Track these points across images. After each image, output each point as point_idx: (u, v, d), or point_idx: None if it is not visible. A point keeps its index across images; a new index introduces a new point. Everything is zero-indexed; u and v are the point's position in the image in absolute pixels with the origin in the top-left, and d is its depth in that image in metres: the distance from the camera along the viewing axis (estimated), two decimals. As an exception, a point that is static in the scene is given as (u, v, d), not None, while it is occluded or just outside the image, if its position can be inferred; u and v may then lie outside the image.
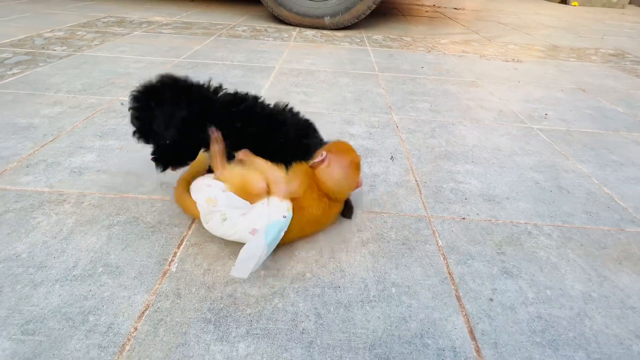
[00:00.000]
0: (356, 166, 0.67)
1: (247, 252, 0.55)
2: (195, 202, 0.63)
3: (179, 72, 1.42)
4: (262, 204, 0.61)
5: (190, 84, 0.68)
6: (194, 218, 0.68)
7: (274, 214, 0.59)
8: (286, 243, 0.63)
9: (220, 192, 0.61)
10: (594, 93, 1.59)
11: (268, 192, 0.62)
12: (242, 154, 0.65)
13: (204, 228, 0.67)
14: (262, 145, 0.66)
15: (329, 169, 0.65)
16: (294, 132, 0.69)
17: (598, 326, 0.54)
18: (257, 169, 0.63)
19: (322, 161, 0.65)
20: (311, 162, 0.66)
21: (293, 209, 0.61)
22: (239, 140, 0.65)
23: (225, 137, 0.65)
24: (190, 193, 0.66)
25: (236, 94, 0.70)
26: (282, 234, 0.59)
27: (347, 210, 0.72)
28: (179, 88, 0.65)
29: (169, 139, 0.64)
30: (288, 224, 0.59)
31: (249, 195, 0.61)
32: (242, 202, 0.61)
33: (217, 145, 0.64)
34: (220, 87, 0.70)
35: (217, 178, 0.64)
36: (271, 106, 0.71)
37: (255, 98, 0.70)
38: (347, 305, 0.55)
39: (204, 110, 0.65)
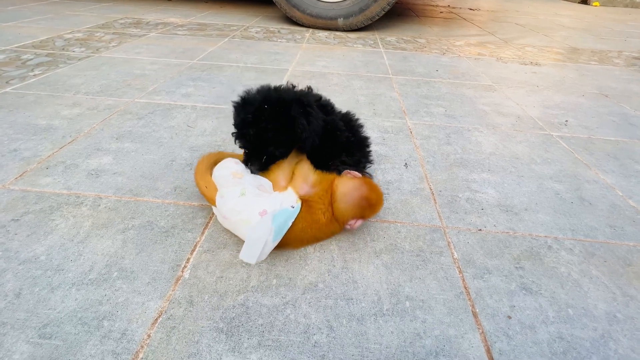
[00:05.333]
0: (366, 202, 0.66)
1: (254, 234, 0.57)
2: (214, 185, 0.67)
3: (193, 74, 1.44)
4: (278, 192, 0.66)
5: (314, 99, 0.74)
6: (206, 199, 0.70)
7: (285, 202, 0.63)
8: (289, 247, 0.64)
9: (247, 171, 0.67)
10: (617, 98, 1.53)
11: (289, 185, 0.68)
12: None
13: (217, 234, 0.67)
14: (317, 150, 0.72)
15: (348, 182, 0.67)
16: (346, 148, 0.76)
17: (624, 349, 0.52)
18: (297, 166, 0.70)
19: (353, 176, 0.69)
20: (346, 172, 0.70)
21: (302, 206, 0.64)
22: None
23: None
24: (209, 170, 0.71)
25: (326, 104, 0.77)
26: (290, 222, 0.60)
27: None
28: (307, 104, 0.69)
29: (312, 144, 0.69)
30: (296, 215, 0.62)
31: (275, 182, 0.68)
32: (266, 182, 0.67)
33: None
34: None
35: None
36: (341, 112, 0.79)
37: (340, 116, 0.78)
38: (360, 319, 0.54)
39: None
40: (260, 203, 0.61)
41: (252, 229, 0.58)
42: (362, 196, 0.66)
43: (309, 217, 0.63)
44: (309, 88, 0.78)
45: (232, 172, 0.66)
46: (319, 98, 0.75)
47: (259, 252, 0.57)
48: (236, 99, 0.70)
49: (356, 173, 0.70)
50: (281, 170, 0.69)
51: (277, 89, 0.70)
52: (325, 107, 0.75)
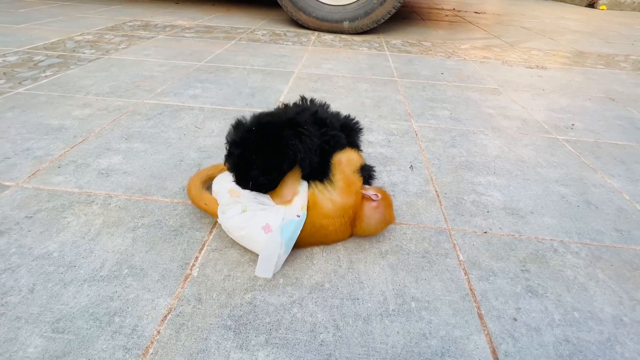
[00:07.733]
0: (386, 225, 0.70)
1: (266, 250, 0.58)
2: (213, 199, 0.67)
3: (201, 76, 1.46)
4: (280, 206, 0.65)
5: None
6: (209, 214, 0.70)
7: (289, 213, 0.62)
8: (297, 247, 0.64)
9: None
10: (624, 102, 1.52)
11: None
12: None
13: (224, 234, 0.68)
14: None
15: (374, 210, 0.67)
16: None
17: (630, 353, 0.52)
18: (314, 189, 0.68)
19: (374, 201, 0.67)
20: (365, 191, 0.68)
21: (312, 214, 0.64)
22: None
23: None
24: (203, 189, 0.72)
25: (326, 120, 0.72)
26: (298, 232, 0.61)
27: None
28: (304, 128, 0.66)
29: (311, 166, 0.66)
30: (302, 223, 0.62)
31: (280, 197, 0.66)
32: (262, 197, 0.65)
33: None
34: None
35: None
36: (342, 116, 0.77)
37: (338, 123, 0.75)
38: (366, 319, 0.54)
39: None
40: (263, 217, 0.61)
41: (263, 247, 0.58)
42: (385, 220, 0.68)
43: (317, 222, 0.64)
44: (303, 98, 0.75)
45: (229, 188, 0.65)
46: (314, 112, 0.71)
47: (273, 266, 0.58)
48: (243, 102, 0.71)
49: (377, 196, 0.67)
50: (287, 185, 0.67)
51: (271, 113, 0.68)
52: (324, 120, 0.71)
